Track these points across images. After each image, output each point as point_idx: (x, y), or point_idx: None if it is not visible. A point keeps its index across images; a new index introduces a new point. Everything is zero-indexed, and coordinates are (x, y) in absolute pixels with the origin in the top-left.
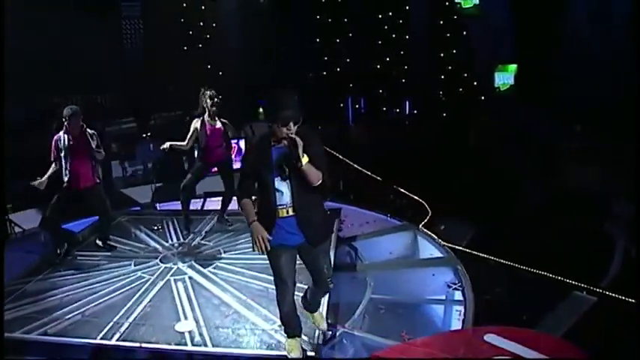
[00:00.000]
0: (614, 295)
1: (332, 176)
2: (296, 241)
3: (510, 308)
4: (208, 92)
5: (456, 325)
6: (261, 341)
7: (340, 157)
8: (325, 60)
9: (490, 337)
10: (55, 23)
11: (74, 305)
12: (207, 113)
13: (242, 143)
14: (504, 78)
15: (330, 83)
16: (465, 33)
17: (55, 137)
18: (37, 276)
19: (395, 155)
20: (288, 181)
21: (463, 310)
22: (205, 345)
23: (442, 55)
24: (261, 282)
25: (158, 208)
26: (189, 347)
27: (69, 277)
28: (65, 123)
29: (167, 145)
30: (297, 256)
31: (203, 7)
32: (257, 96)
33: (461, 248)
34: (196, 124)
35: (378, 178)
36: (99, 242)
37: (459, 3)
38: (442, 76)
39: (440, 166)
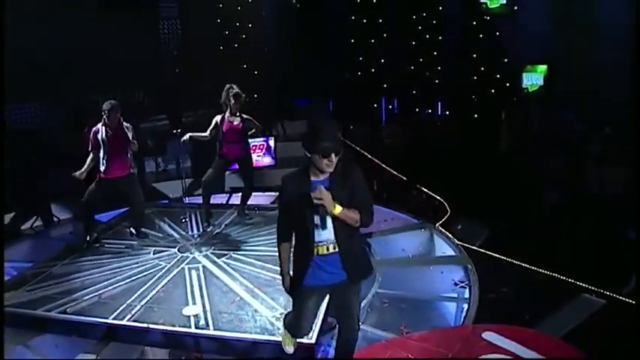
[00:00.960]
0: (622, 298)
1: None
2: (333, 280)
3: (515, 308)
4: (232, 90)
5: (457, 322)
6: (261, 327)
7: (369, 156)
8: (360, 60)
9: (488, 335)
10: (96, 25)
11: (93, 288)
12: (228, 109)
13: (272, 141)
14: (533, 79)
15: (364, 84)
16: (497, 33)
17: (94, 129)
18: (63, 260)
19: (423, 155)
20: (329, 216)
21: (466, 308)
22: (208, 328)
23: (475, 55)
24: (269, 272)
25: (186, 201)
26: (192, 330)
27: (92, 262)
28: (104, 116)
29: (187, 136)
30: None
31: (239, 8)
32: (292, 96)
33: (475, 248)
34: (217, 118)
35: (403, 177)
36: (132, 230)
37: (485, 3)
38: (475, 77)
39: (466, 167)
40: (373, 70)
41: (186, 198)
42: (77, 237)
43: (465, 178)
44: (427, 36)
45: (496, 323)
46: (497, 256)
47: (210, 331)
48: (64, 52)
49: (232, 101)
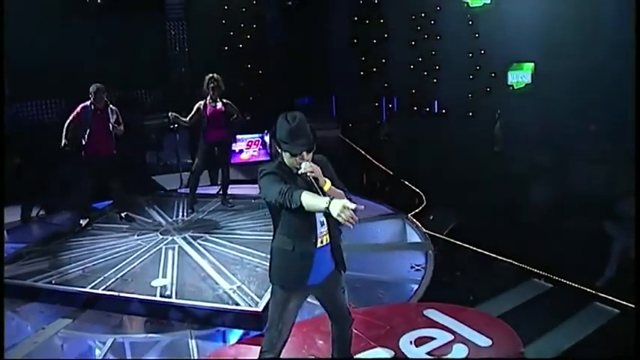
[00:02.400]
0: (570, 282)
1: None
2: (326, 273)
3: (463, 289)
4: (213, 77)
5: (405, 300)
6: (218, 297)
7: (362, 152)
8: (362, 60)
9: (429, 312)
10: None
11: (77, 263)
12: (209, 96)
13: (267, 137)
14: (519, 76)
15: (366, 83)
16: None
17: (83, 104)
18: (55, 240)
19: (414, 151)
20: None
21: (416, 288)
22: (170, 297)
23: (471, 54)
24: (238, 252)
25: (179, 191)
26: (156, 298)
27: (80, 242)
28: (91, 96)
29: (173, 114)
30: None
31: (244, 10)
32: (294, 94)
33: (441, 236)
34: (199, 104)
35: (390, 172)
36: (122, 215)
37: (467, 2)
38: (470, 76)
39: (454, 162)
40: (375, 69)
41: (180, 189)
42: (72, 222)
43: (449, 173)
44: (426, 36)
45: (441, 302)
46: (460, 243)
47: (172, 300)
48: (75, 52)
49: (213, 87)
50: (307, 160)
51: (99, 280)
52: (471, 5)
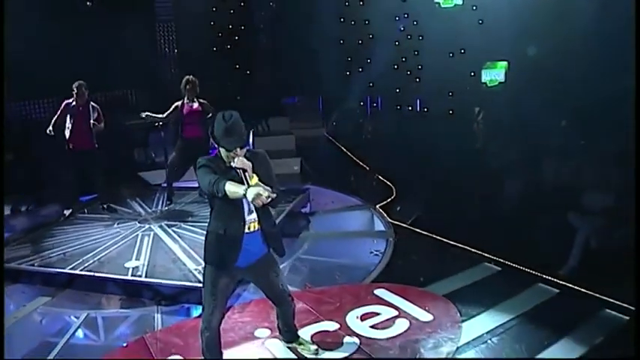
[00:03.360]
0: (517, 266)
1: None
2: (255, 257)
3: (414, 272)
4: (188, 78)
5: (358, 282)
6: (184, 276)
7: (343, 149)
8: (348, 60)
9: (379, 291)
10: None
11: (59, 248)
12: (186, 96)
13: (250, 135)
14: (492, 74)
15: (352, 83)
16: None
17: (66, 102)
18: (41, 229)
19: (394, 147)
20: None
21: (371, 270)
22: (140, 276)
23: (452, 54)
24: None
25: (163, 186)
26: (127, 277)
27: (64, 229)
28: (74, 93)
29: (145, 114)
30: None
31: (232, 11)
32: (282, 94)
33: (405, 225)
34: (177, 104)
35: (366, 166)
36: (104, 206)
37: (438, 3)
38: (450, 75)
39: (430, 158)
40: (361, 69)
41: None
42: (57, 212)
43: (421, 168)
44: (409, 37)
45: (392, 283)
46: (420, 231)
47: (141, 278)
48: (65, 52)
49: (188, 88)
50: (240, 156)
51: (77, 262)
52: (442, 6)
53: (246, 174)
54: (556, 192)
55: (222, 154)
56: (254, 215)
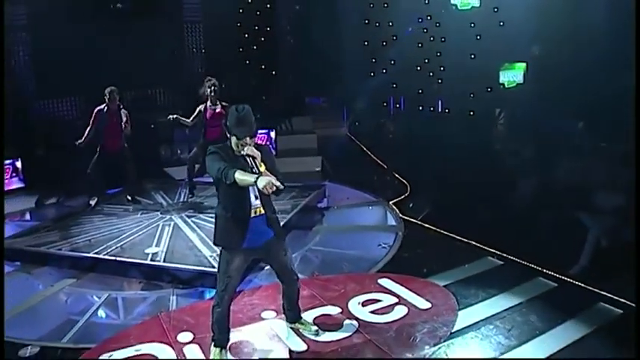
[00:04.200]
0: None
1: None
2: (262, 241)
3: (420, 263)
4: (210, 82)
5: (365, 272)
6: (199, 262)
7: (363, 147)
8: (372, 61)
9: (383, 281)
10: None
11: (85, 235)
12: (209, 99)
13: (272, 133)
14: (510, 76)
15: (376, 84)
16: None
17: (98, 108)
18: (68, 218)
19: (413, 147)
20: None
21: (378, 261)
22: (158, 261)
23: (473, 56)
24: None
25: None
26: (147, 261)
27: (90, 218)
28: (106, 98)
29: (173, 116)
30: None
31: (258, 13)
32: (306, 94)
33: (415, 221)
34: (201, 107)
35: (384, 165)
36: (128, 197)
37: (455, 5)
38: (472, 77)
39: (447, 158)
40: (384, 70)
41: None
42: (85, 203)
43: (437, 167)
44: (431, 38)
45: (396, 274)
46: (429, 226)
47: (159, 263)
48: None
49: (211, 92)
50: (250, 145)
51: (101, 248)
52: (459, 8)
53: (256, 161)
54: (566, 192)
55: (233, 143)
56: (259, 201)
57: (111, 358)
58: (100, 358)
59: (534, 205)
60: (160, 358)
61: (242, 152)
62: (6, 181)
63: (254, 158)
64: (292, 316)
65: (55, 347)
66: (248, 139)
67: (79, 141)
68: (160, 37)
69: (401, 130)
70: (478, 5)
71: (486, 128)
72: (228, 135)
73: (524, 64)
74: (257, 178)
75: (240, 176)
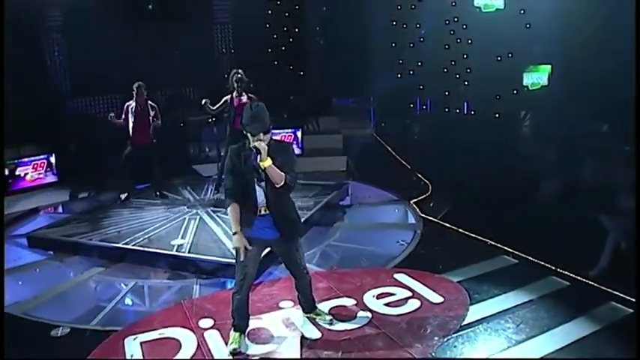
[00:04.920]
0: (532, 258)
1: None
2: (271, 235)
3: (436, 260)
4: (237, 75)
5: (381, 266)
6: (222, 254)
7: (388, 148)
8: (400, 63)
9: (398, 275)
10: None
11: (114, 226)
12: (235, 91)
13: (299, 133)
14: (534, 78)
15: (402, 85)
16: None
17: (127, 103)
18: (99, 211)
19: (437, 148)
20: (263, 183)
21: (394, 257)
22: (183, 252)
23: (499, 58)
24: None
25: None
26: (172, 252)
27: (119, 211)
28: (134, 93)
29: (204, 101)
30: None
31: (287, 14)
32: (334, 94)
33: (434, 219)
34: (227, 97)
35: (408, 166)
36: (157, 192)
37: (479, 7)
38: (498, 79)
39: (470, 159)
40: (411, 72)
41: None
42: (115, 197)
43: (460, 168)
44: (458, 40)
45: (412, 269)
46: (448, 225)
47: (183, 253)
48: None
49: (237, 84)
50: (264, 141)
51: (129, 239)
52: (483, 11)
53: (259, 155)
54: (587, 193)
55: (250, 140)
56: (263, 200)
57: (136, 340)
58: (126, 339)
59: (554, 206)
60: (181, 341)
61: (251, 144)
62: (40, 175)
63: (258, 152)
64: (307, 306)
65: (84, 329)
66: (262, 135)
67: (111, 114)
68: (190, 38)
69: (426, 132)
70: (502, 7)
71: (511, 130)
72: (245, 132)
73: (548, 67)
74: (234, 234)
75: (229, 215)
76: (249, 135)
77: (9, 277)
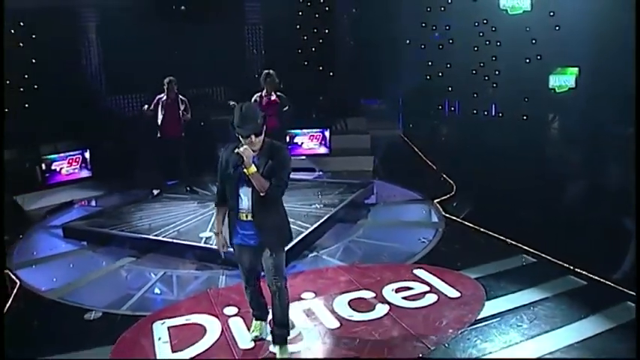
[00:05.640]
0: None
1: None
2: (252, 242)
3: (455, 257)
4: (268, 73)
5: (401, 262)
6: None
7: (415, 148)
8: (429, 64)
9: (417, 271)
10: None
11: (146, 219)
12: (265, 89)
13: (327, 133)
14: (561, 80)
15: (431, 86)
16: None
17: (158, 96)
18: (132, 204)
19: (464, 149)
20: (249, 188)
21: (415, 253)
22: (211, 244)
23: (528, 60)
24: None
25: None
26: (200, 244)
27: (152, 206)
28: (165, 88)
29: (232, 102)
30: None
31: (317, 15)
32: (363, 95)
33: (457, 219)
34: (256, 96)
35: (434, 166)
36: (187, 188)
37: (506, 10)
38: (526, 81)
39: (495, 160)
40: (440, 73)
41: None
42: (147, 192)
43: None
44: (487, 42)
45: (431, 266)
46: (469, 224)
47: (212, 246)
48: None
49: (268, 81)
50: (255, 144)
51: (160, 231)
52: (510, 13)
53: (243, 162)
54: (611, 196)
55: (242, 142)
56: (247, 206)
57: (163, 324)
58: (154, 323)
59: (577, 208)
60: (207, 327)
61: (236, 150)
62: (75, 170)
63: (241, 157)
64: (259, 314)
65: (115, 314)
66: (253, 137)
67: (145, 106)
68: (221, 39)
69: (454, 133)
70: (529, 9)
71: (538, 132)
72: (236, 135)
73: (576, 69)
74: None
75: (214, 218)
76: (239, 137)
77: (45, 265)
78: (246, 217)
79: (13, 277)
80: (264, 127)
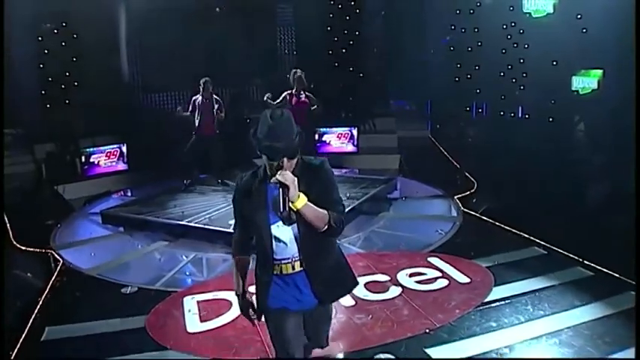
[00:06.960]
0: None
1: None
2: (308, 305)
3: (469, 248)
4: (296, 73)
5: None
6: None
7: (441, 149)
8: (458, 67)
9: (432, 258)
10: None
11: (179, 208)
12: (294, 89)
13: (355, 131)
14: (585, 82)
15: (460, 88)
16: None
17: (194, 97)
18: (166, 194)
19: (489, 150)
20: (293, 226)
21: (430, 243)
22: None
23: (555, 62)
24: None
25: None
26: (229, 230)
27: (184, 195)
28: (200, 88)
29: (267, 95)
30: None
31: (348, 17)
32: (392, 96)
33: (475, 214)
34: (286, 94)
35: (457, 165)
36: (219, 180)
37: (529, 13)
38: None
39: (519, 161)
40: (469, 76)
41: None
42: (180, 183)
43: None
44: (515, 45)
45: (445, 254)
46: (486, 219)
47: None
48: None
49: (296, 82)
50: (286, 169)
51: (192, 218)
52: (534, 16)
53: (287, 194)
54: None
55: (266, 164)
56: (290, 253)
57: (193, 299)
58: (185, 298)
59: (598, 208)
60: (233, 302)
61: (271, 180)
62: (112, 163)
63: (285, 187)
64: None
65: (149, 289)
66: (285, 160)
67: (179, 108)
68: (255, 40)
69: (481, 135)
70: (552, 12)
71: (563, 134)
72: (258, 152)
73: (599, 71)
74: (237, 296)
75: (233, 277)
76: (263, 157)
77: (86, 247)
78: (292, 268)
79: (57, 256)
80: (300, 146)
